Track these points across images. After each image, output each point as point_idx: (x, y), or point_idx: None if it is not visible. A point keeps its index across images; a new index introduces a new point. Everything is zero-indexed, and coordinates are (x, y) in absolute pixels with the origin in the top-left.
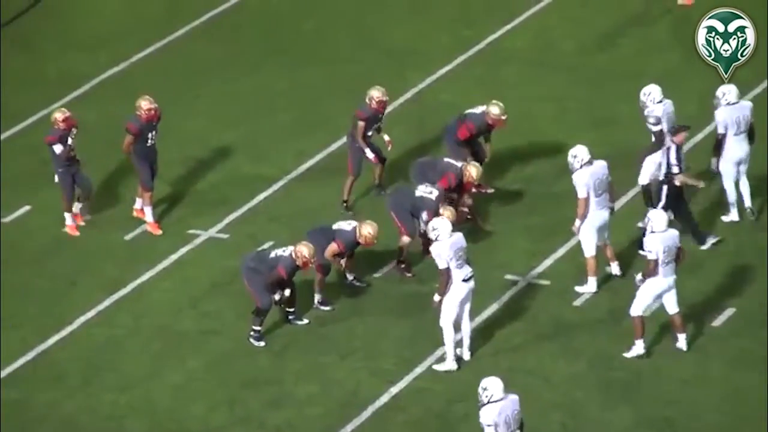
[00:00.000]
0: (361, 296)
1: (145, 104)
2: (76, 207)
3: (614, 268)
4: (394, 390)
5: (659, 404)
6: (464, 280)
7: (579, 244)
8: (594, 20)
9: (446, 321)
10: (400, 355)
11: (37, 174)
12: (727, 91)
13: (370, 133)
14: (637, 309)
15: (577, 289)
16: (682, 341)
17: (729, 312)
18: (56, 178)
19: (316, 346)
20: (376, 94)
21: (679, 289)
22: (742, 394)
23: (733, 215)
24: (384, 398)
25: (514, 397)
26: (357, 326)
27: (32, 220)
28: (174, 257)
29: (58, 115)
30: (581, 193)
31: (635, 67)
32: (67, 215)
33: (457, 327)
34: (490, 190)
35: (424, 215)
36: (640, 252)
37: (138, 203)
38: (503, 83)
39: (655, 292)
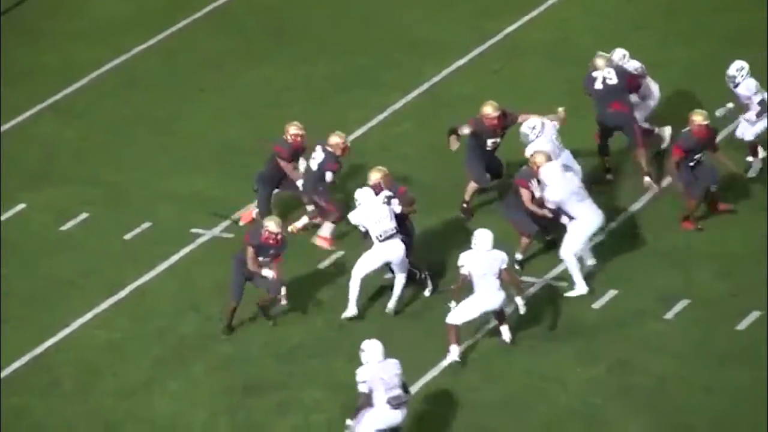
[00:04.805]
0: (367, 300)
1: (294, 129)
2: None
3: (589, 260)
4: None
5: (681, 412)
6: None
7: (598, 244)
8: (615, 12)
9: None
10: (408, 360)
11: (35, 170)
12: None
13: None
14: (455, 318)
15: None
16: (506, 333)
17: (754, 315)
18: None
19: (323, 350)
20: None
21: (704, 292)
22: None
23: None
24: None
25: (394, 362)
26: (364, 330)
27: (30, 219)
28: (176, 258)
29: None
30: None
31: (657, 59)
32: None
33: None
34: None
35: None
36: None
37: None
38: (521, 76)
39: (482, 309)
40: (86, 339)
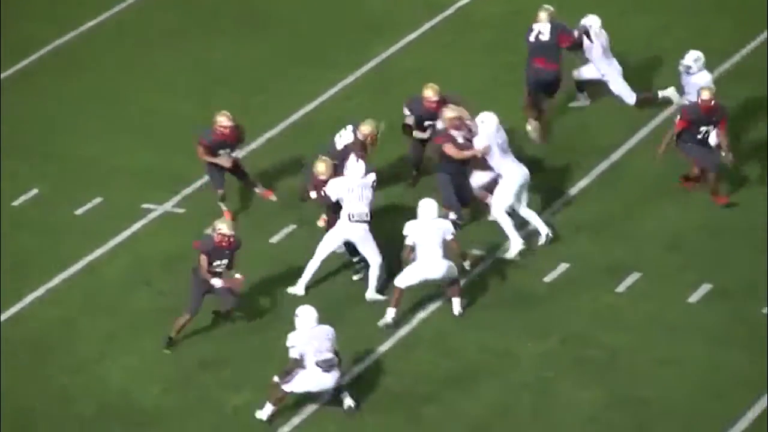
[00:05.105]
0: (316, 276)
1: (222, 119)
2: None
3: (542, 230)
4: (356, 369)
5: (633, 384)
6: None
7: (549, 215)
8: None
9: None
10: (359, 335)
11: None
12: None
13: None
14: (399, 282)
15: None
16: (456, 306)
17: (705, 288)
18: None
19: (275, 326)
20: None
21: (655, 265)
22: (719, 372)
23: None
24: (344, 378)
25: (327, 328)
26: (317, 306)
27: None
28: (127, 233)
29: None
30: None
31: (614, 33)
32: None
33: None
34: None
35: None
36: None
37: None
38: (472, 50)
39: (424, 276)
40: (39, 315)
